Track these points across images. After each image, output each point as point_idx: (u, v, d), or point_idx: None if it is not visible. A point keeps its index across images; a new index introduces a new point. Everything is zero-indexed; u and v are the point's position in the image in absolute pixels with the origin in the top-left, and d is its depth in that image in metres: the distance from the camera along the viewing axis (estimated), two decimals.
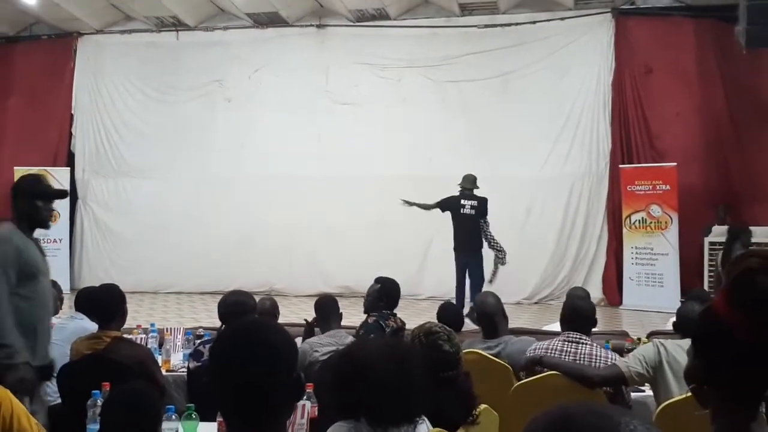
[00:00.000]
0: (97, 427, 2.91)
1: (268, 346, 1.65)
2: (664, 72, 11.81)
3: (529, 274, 11.88)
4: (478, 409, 2.88)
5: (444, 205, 10.10)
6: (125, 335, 4.69)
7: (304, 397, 3.23)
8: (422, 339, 2.94)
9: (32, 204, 4.02)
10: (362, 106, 12.67)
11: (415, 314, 8.32)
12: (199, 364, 4.32)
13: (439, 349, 2.91)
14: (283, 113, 12.83)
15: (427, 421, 2.55)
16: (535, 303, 11.73)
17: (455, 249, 9.99)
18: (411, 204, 10.36)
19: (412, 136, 12.42)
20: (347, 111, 12.69)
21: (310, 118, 12.80)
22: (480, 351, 4.30)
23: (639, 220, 11.47)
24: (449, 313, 5.12)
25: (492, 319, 4.64)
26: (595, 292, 10.89)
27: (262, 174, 12.73)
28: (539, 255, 11.99)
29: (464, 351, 3.30)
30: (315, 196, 12.43)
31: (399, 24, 12.87)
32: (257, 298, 5.11)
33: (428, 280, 12.10)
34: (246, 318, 3.84)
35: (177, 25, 13.49)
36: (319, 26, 13.12)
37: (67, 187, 12.92)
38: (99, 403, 3.29)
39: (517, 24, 12.40)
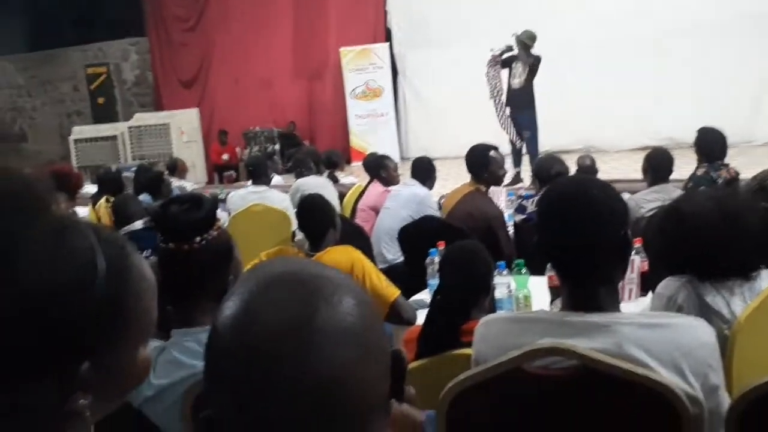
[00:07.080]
0: (437, 281, 3.16)
1: (594, 204, 1.64)
2: None
3: None
4: None
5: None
6: None
7: (633, 252, 3.21)
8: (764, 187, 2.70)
9: None
10: None
11: (750, 163, 7.66)
12: (524, 216, 4.54)
13: None
14: None
15: None
16: None
17: None
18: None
19: None
20: None
21: None
22: None
23: None
24: None
25: None
26: None
27: (572, 39, 12.24)
28: None
29: None
30: (636, 49, 11.72)
31: None
32: (575, 156, 5.13)
33: (765, 122, 10.99)
34: (571, 177, 3.88)
35: None
36: None
37: (388, 62, 13.77)
38: (436, 260, 3.58)
39: None
